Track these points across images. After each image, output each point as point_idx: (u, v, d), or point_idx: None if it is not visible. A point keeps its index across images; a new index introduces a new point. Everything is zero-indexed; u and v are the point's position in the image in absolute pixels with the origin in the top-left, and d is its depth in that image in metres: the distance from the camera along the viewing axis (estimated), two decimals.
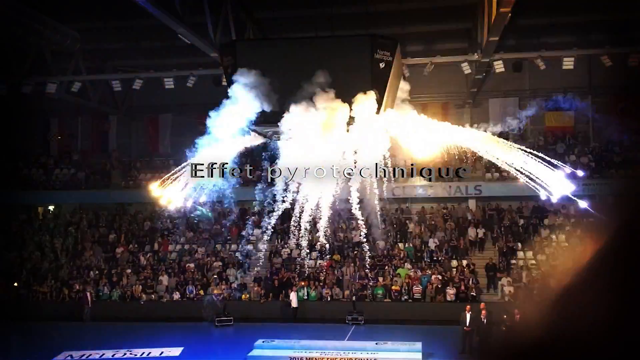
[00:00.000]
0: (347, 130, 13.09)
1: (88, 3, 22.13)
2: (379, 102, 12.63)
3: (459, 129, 14.86)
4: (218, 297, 24.94)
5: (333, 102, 12.46)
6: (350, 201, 15.61)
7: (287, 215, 16.92)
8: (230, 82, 13.07)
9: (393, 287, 24.50)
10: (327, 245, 25.16)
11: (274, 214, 16.80)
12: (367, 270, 25.11)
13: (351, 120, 12.82)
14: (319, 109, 12.46)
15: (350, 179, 14.65)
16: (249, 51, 13.61)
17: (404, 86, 15.18)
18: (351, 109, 12.58)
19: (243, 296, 25.33)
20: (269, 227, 19.28)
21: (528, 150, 15.12)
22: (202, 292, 25.47)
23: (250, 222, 25.89)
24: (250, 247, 26.90)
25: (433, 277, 24.61)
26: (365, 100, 12.47)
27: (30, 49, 25.54)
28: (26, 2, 21.19)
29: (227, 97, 13.12)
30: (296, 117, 12.55)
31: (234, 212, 27.25)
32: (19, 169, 32.21)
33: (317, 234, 16.94)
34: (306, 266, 25.08)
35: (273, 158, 15.00)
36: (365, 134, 13.29)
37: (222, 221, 28.39)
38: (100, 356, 18.89)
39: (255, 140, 15.04)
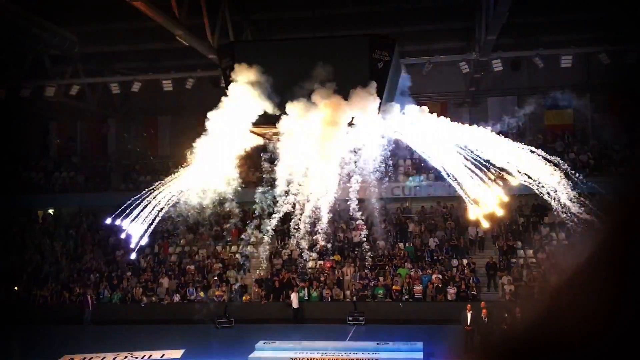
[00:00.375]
0: (347, 133, 13.10)
1: (86, 6, 22.10)
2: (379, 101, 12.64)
3: (460, 126, 14.85)
4: (219, 299, 24.97)
5: (332, 100, 12.46)
6: (350, 201, 15.61)
7: (287, 216, 16.91)
8: (229, 84, 13.08)
9: (394, 287, 24.50)
10: (329, 245, 25.13)
11: (275, 215, 16.79)
12: (367, 270, 25.11)
13: (352, 121, 12.83)
14: (318, 108, 12.46)
15: (350, 178, 14.66)
16: (247, 52, 13.60)
17: (405, 80, 15.22)
18: (351, 108, 12.59)
19: (244, 297, 25.32)
20: (270, 228, 19.28)
21: (528, 147, 15.15)
22: (202, 294, 25.48)
23: (250, 224, 25.85)
24: (250, 248, 26.86)
25: (433, 276, 24.61)
26: (365, 100, 12.48)
27: (28, 52, 25.52)
28: (24, 5, 21.18)
29: (226, 99, 13.13)
30: (295, 117, 12.56)
31: (237, 215, 27.16)
32: (19, 172, 32.18)
33: (316, 235, 16.93)
34: (307, 267, 25.07)
35: (273, 159, 15.00)
36: (366, 133, 13.31)
37: (222, 224, 28.35)
38: (102, 359, 18.88)
39: (255, 140, 15.02)
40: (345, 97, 12.51)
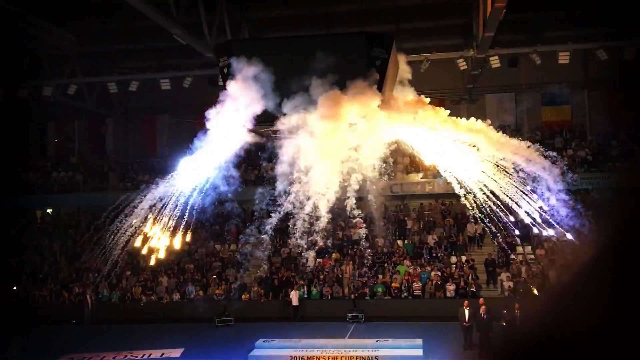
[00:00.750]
0: (347, 131, 13.12)
1: (83, 6, 22.07)
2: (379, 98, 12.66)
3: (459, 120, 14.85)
4: (219, 297, 24.98)
5: (331, 96, 12.46)
6: (349, 199, 15.60)
7: (287, 214, 16.91)
8: (226, 82, 13.08)
9: (393, 285, 24.50)
10: (330, 242, 25.12)
11: (274, 214, 16.78)
12: (366, 267, 25.11)
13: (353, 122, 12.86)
14: (317, 105, 12.46)
15: (350, 176, 14.67)
16: (245, 51, 13.60)
17: (404, 68, 15.26)
18: (350, 104, 12.60)
19: (243, 296, 25.31)
20: (269, 227, 19.26)
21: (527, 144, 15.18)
22: (201, 292, 25.47)
23: (251, 226, 25.82)
24: (250, 248, 26.85)
25: (432, 273, 24.62)
26: (364, 97, 12.49)
27: (26, 52, 25.48)
28: (22, 5, 21.13)
29: (224, 97, 13.14)
30: (294, 115, 12.56)
31: (237, 216, 27.11)
32: (17, 172, 32.14)
33: (316, 234, 16.93)
34: (306, 265, 25.05)
35: (271, 158, 15.02)
36: (366, 131, 13.33)
37: (222, 223, 28.32)
38: (101, 358, 18.90)
39: (254, 139, 15.02)
40: (344, 94, 12.53)
